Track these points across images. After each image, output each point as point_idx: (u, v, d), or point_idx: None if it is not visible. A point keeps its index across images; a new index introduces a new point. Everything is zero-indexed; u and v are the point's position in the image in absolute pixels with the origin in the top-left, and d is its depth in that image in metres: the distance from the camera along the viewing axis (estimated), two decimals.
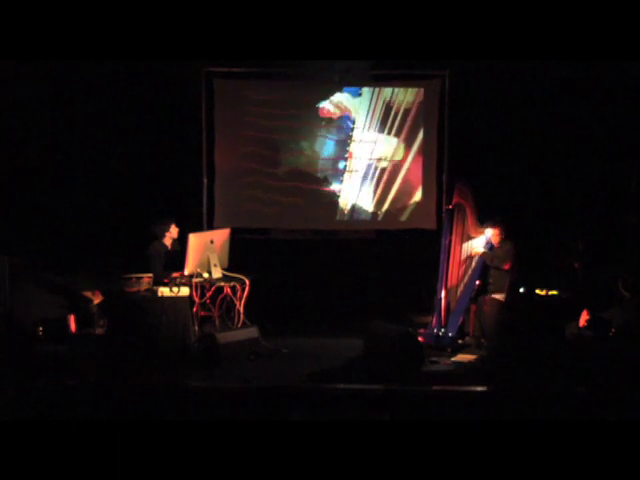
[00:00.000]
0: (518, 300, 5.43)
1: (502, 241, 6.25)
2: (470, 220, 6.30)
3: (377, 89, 7.92)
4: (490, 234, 6.29)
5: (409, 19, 4.78)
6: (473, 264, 6.36)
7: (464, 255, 6.38)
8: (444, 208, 6.47)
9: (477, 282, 6.27)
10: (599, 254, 7.00)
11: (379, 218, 8.05)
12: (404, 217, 8.03)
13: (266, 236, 8.00)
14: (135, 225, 6.97)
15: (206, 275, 6.15)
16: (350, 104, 7.92)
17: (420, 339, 5.96)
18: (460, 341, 6.17)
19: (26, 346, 5.89)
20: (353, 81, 7.85)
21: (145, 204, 7.32)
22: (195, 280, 6.06)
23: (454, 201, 6.33)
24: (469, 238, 6.38)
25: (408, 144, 7.97)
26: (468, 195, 6.26)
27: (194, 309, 6.14)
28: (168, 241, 6.46)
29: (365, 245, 7.99)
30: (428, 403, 4.83)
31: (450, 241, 6.34)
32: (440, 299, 6.30)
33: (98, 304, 6.41)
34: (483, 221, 6.32)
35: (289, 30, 4.81)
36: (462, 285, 6.36)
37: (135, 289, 5.77)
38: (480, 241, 6.36)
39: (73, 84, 7.40)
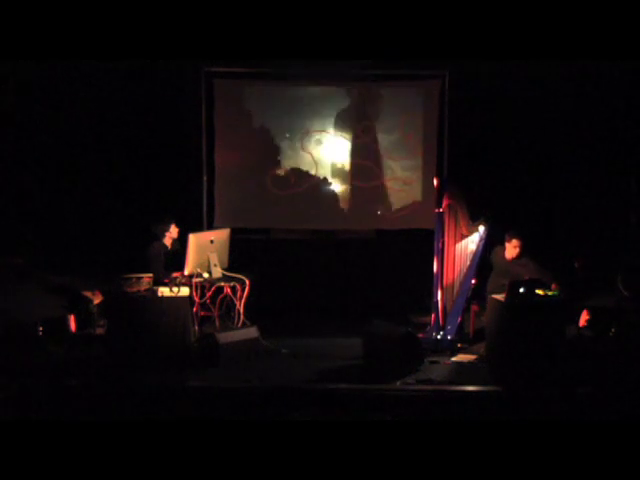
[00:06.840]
0: (518, 300, 5.42)
1: (519, 256, 6.20)
2: (462, 220, 6.30)
3: (377, 89, 7.92)
4: (479, 233, 6.29)
5: (409, 19, 4.79)
6: (468, 263, 6.36)
7: (459, 255, 6.39)
8: (435, 211, 6.43)
9: (473, 281, 6.27)
10: (599, 254, 7.00)
11: (379, 218, 8.05)
12: (404, 217, 8.03)
13: (266, 236, 7.99)
14: (135, 225, 6.97)
15: (206, 275, 6.15)
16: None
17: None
18: (459, 345, 6.15)
19: (26, 346, 5.89)
20: (353, 81, 7.85)
21: (145, 204, 7.32)
22: (195, 280, 6.06)
23: (444, 203, 6.32)
24: (462, 237, 6.38)
25: (408, 144, 7.96)
26: (458, 196, 6.27)
27: (194, 309, 6.14)
28: (168, 241, 6.46)
29: (365, 245, 7.99)
30: (428, 403, 4.83)
31: (443, 243, 6.33)
32: (437, 302, 6.29)
33: (98, 304, 6.41)
34: (475, 219, 6.32)
35: (289, 30, 4.81)
36: (458, 285, 6.36)
37: (135, 289, 5.77)
38: (474, 238, 6.37)
39: (73, 83, 7.40)
